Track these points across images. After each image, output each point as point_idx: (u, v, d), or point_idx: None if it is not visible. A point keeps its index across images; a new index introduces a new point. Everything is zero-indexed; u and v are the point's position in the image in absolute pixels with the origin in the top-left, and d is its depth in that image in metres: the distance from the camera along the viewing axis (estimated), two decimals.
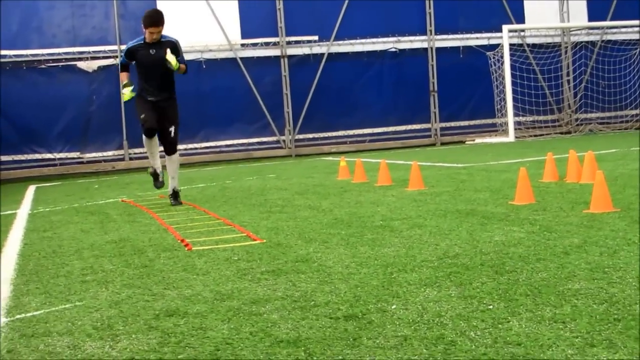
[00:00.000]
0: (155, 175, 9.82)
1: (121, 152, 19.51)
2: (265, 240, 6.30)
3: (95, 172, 19.06)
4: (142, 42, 9.29)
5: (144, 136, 9.55)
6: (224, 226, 7.37)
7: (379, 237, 6.08)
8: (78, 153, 19.26)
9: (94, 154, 19.39)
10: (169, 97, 9.46)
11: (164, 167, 9.88)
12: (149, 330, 3.82)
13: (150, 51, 9.24)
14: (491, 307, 3.82)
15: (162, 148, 9.66)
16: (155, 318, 4.04)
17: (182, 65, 9.26)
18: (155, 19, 9.17)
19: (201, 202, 9.74)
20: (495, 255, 5.04)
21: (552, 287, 4.13)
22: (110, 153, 19.51)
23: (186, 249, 6.16)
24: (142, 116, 9.29)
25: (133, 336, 3.73)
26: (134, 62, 9.42)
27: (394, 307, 3.94)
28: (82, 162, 19.28)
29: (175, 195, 9.66)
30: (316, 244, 5.96)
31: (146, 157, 19.49)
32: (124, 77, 9.48)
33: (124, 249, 6.43)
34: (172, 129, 9.43)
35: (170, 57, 9.05)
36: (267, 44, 20.59)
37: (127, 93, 9.27)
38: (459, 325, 3.54)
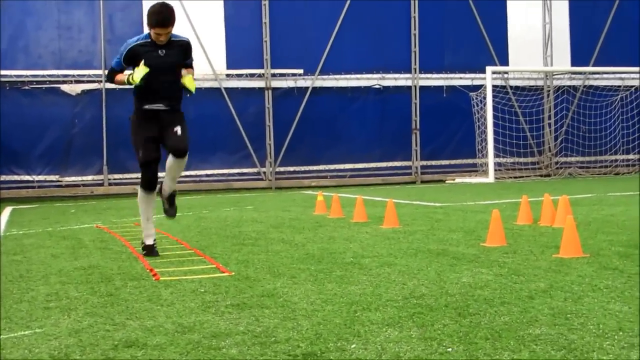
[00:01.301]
0: (149, 247, 7.57)
1: (101, 177, 19.45)
2: (233, 273, 6.27)
3: (74, 196, 18.97)
4: (149, 40, 7.24)
5: (140, 190, 7.56)
6: (194, 257, 7.34)
7: (347, 274, 6.07)
8: (57, 176, 19.20)
9: (73, 178, 19.33)
10: (176, 107, 7.44)
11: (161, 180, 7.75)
12: None
13: (160, 52, 7.22)
14: (450, 349, 3.81)
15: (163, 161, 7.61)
16: (114, 349, 4.01)
17: (190, 77, 7.46)
18: (165, 16, 7.06)
19: (175, 231, 9.70)
20: (461, 297, 5.04)
21: (512, 331, 4.13)
22: (89, 177, 19.45)
23: (154, 278, 6.12)
24: (141, 154, 7.30)
25: None
26: (132, 66, 7.25)
27: (353, 346, 3.93)
28: (60, 186, 19.20)
29: (171, 198, 7.73)
30: (284, 279, 5.94)
31: (127, 183, 19.78)
32: (121, 75, 7.34)
33: (91, 276, 6.39)
34: (178, 128, 7.31)
35: (190, 85, 7.38)
36: (252, 75, 20.68)
37: (137, 73, 7.09)
38: None
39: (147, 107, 7.30)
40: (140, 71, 7.07)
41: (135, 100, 7.39)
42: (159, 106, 7.30)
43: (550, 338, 3.97)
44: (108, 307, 5.09)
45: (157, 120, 7.31)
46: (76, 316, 4.83)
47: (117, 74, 7.37)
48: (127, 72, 7.25)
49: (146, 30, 7.28)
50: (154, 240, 7.63)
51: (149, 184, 7.44)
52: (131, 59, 7.21)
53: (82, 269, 6.76)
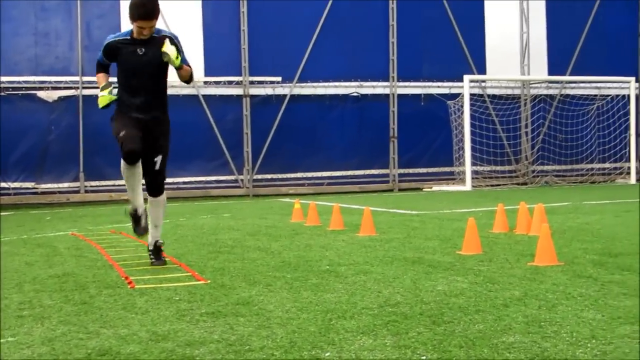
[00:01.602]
0: (135, 216, 7.24)
1: (77, 184, 19.33)
2: (209, 281, 6.25)
3: (50, 203, 18.84)
4: (128, 37, 6.92)
5: (122, 162, 6.97)
6: (170, 264, 7.31)
7: (323, 282, 6.07)
8: (33, 183, 19.06)
9: (49, 185, 19.19)
10: (160, 116, 7.14)
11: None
12: None
13: (138, 50, 6.88)
14: (424, 357, 3.82)
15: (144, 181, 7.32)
16: (87, 357, 3.98)
17: (187, 67, 7.12)
18: (149, 8, 6.71)
19: None
20: (436, 305, 5.06)
21: (486, 339, 4.15)
22: (65, 185, 19.33)
23: (129, 286, 6.09)
24: (122, 134, 6.80)
25: None
26: (113, 63, 7.11)
27: (327, 354, 3.93)
28: (36, 193, 19.07)
29: (157, 250, 7.33)
30: (260, 287, 5.93)
31: (104, 190, 19.70)
32: (101, 79, 7.11)
33: (66, 284, 6.35)
34: (159, 159, 7.10)
35: (170, 48, 6.84)
36: (230, 82, 20.65)
37: (105, 95, 6.97)
38: None
39: (128, 112, 6.98)
40: (103, 99, 6.96)
41: (118, 100, 7.05)
42: (140, 115, 6.97)
43: (524, 346, 3.99)
44: (82, 315, 5.05)
45: (141, 124, 6.96)
46: (50, 325, 4.79)
47: (103, 68, 7.15)
48: (102, 89, 7.03)
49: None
50: (143, 210, 7.25)
51: (130, 159, 6.92)
52: (111, 55, 7.00)
53: (56, 277, 6.72)
